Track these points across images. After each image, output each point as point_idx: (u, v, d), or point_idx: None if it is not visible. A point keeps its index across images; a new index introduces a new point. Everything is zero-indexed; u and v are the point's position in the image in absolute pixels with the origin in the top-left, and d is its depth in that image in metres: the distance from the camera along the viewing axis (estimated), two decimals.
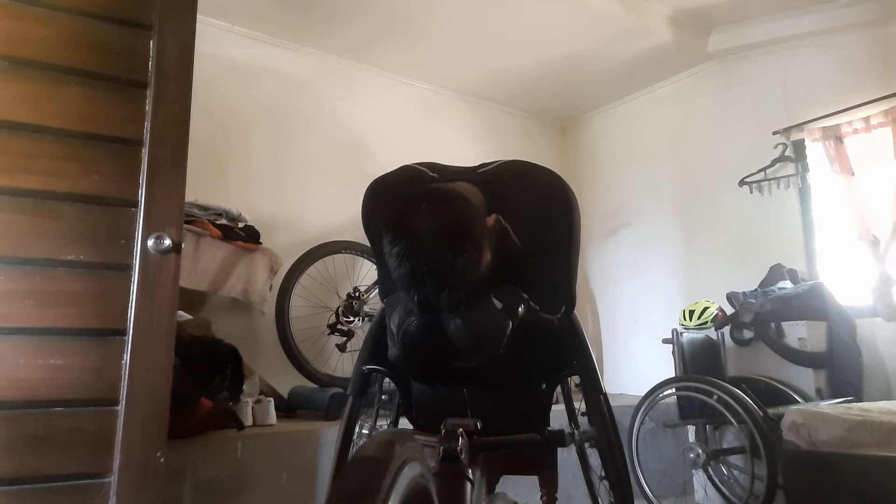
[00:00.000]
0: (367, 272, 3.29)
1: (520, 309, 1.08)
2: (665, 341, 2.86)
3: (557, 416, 1.42)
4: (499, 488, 1.36)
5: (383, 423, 1.52)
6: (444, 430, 0.88)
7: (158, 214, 1.43)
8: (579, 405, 1.41)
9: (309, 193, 3.41)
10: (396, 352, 1.19)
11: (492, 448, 1.04)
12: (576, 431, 1.31)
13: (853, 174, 3.02)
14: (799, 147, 3.32)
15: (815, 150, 3.18)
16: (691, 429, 2.78)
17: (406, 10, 3.16)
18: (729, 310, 3.10)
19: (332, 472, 1.31)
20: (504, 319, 1.05)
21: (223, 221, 2.74)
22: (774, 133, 3.34)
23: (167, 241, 1.41)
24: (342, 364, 3.07)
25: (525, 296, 1.11)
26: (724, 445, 2.68)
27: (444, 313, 1.05)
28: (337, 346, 3.04)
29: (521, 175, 1.20)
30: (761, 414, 2.35)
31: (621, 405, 2.80)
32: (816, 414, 2.16)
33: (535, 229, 1.16)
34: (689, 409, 2.64)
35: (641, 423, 2.75)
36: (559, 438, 1.14)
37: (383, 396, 1.57)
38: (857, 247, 3.00)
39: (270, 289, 2.88)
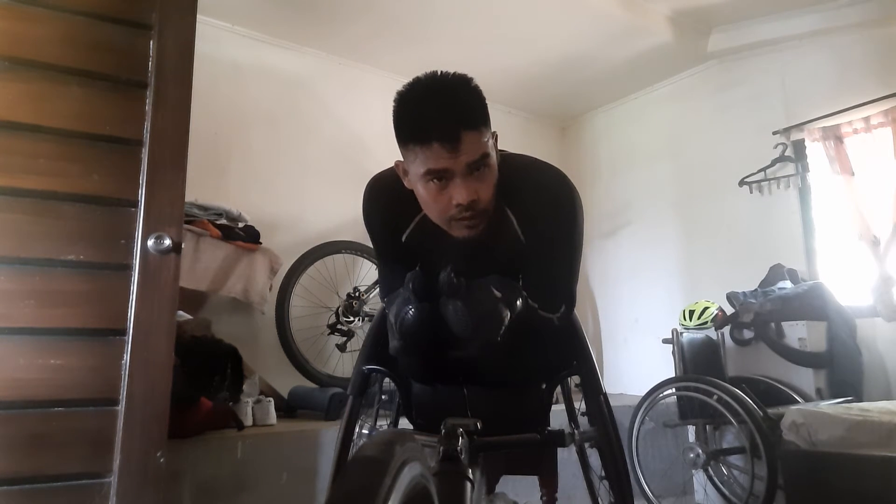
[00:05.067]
0: (367, 272, 3.29)
1: (518, 302, 1.08)
2: (665, 341, 2.86)
3: (557, 416, 1.41)
4: (499, 488, 1.36)
5: (383, 423, 1.52)
6: (444, 430, 0.88)
7: (158, 214, 1.43)
8: (579, 405, 1.41)
9: (309, 193, 3.41)
10: (396, 343, 1.19)
11: (492, 448, 1.04)
12: (576, 431, 1.31)
13: (853, 174, 3.02)
14: (799, 147, 3.32)
15: (815, 150, 3.18)
16: (691, 429, 2.78)
17: (406, 10, 3.15)
18: (729, 310, 3.09)
19: (332, 472, 1.31)
20: (502, 308, 1.05)
21: (223, 221, 2.74)
22: (774, 133, 3.33)
23: (167, 241, 1.41)
24: (342, 364, 3.07)
25: (524, 292, 1.11)
26: (724, 445, 2.68)
27: (444, 298, 1.05)
28: (337, 346, 3.04)
29: (528, 170, 1.20)
30: (761, 414, 2.35)
31: (621, 405, 2.80)
32: (816, 414, 2.16)
33: (538, 225, 1.16)
34: (689, 409, 2.64)
35: (641, 423, 2.75)
36: (559, 438, 1.13)
37: (383, 396, 1.57)
38: (857, 247, 3.00)
39: (270, 289, 2.88)
